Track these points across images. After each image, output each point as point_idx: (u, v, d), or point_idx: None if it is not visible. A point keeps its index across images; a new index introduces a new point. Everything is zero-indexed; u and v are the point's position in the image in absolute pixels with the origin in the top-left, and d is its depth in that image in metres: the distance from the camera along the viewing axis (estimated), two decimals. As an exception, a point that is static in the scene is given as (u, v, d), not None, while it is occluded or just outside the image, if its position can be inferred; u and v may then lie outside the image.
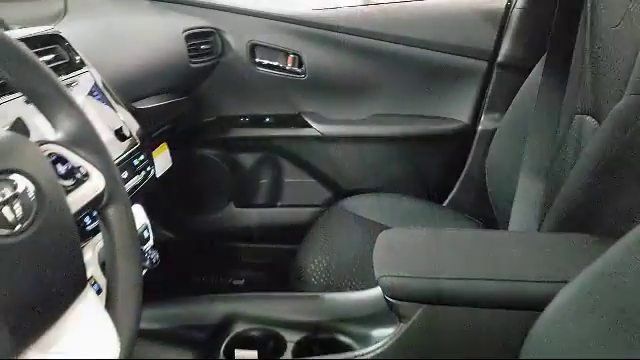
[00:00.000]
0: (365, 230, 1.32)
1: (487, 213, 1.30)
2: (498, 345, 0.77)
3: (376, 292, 0.93)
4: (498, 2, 1.44)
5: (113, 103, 1.03)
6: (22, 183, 0.48)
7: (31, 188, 0.49)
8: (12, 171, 0.48)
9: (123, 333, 0.56)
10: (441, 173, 1.58)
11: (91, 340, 0.53)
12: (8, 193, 0.46)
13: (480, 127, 1.51)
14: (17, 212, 0.47)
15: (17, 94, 0.79)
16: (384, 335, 0.83)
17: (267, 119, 1.61)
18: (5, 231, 0.45)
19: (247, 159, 1.68)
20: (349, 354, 0.84)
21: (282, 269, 1.36)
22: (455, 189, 1.57)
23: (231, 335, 0.96)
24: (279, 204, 1.70)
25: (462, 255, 0.82)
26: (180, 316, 1.01)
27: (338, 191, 1.64)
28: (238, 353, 0.92)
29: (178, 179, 1.38)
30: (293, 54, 1.54)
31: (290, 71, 1.55)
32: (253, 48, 1.54)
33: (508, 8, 1.43)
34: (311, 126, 1.58)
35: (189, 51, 1.41)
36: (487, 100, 1.49)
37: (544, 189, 1.05)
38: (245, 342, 0.95)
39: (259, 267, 1.73)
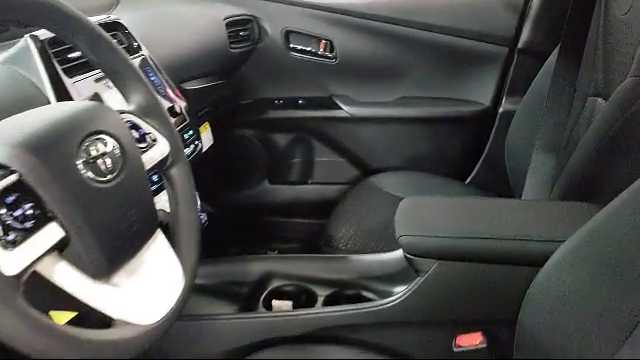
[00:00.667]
0: (389, 203, 1.42)
1: (507, 191, 1.39)
2: (502, 296, 0.88)
3: (397, 254, 1.05)
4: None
5: (165, 83, 1.15)
6: (110, 142, 0.61)
7: (117, 147, 0.61)
8: (102, 132, 0.60)
9: (187, 268, 0.69)
10: (464, 152, 1.68)
11: (163, 271, 0.66)
12: (101, 149, 0.59)
13: (501, 109, 1.60)
14: (108, 165, 0.59)
15: (90, 73, 0.92)
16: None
17: (300, 101, 1.73)
18: (100, 178, 0.58)
19: (281, 139, 1.80)
20: (372, 304, 0.95)
21: (312, 242, 1.48)
22: (477, 168, 1.66)
23: (269, 289, 1.08)
24: (310, 181, 1.82)
25: (473, 218, 0.93)
26: (224, 273, 1.14)
27: (366, 169, 1.75)
28: (275, 304, 1.04)
29: (217, 157, 1.50)
30: (325, 40, 1.65)
31: (322, 56, 1.66)
32: (288, 34, 1.66)
33: (527, 1, 1.51)
34: (341, 108, 1.68)
35: (229, 37, 1.53)
36: (508, 84, 1.58)
37: (555, 165, 1.14)
38: (281, 296, 1.08)
39: (291, 240, 1.85)
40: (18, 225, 0.50)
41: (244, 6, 1.61)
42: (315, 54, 1.66)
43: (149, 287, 0.63)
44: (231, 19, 1.54)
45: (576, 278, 0.75)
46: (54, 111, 0.60)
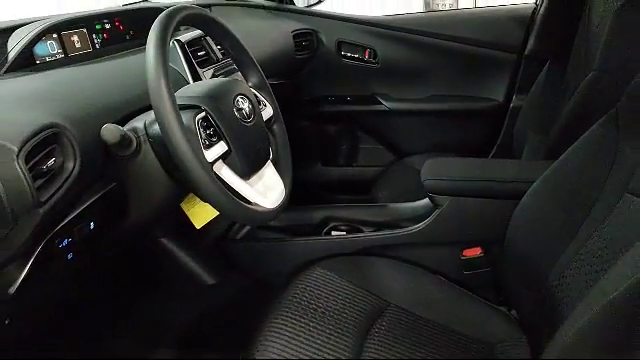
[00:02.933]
0: (418, 176, 1.81)
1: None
2: (496, 221, 1.25)
3: (422, 202, 1.43)
4: (524, 11, 1.90)
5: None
6: (247, 101, 1.02)
7: (250, 104, 1.02)
8: (243, 94, 1.01)
9: (286, 183, 1.09)
10: (481, 140, 2.04)
11: (274, 181, 1.06)
12: (244, 104, 1.00)
13: (512, 104, 1.96)
14: (247, 113, 1.00)
15: (211, 66, 1.33)
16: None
17: (348, 98, 2.13)
18: (244, 120, 0.98)
19: (332, 129, 2.20)
20: (404, 230, 1.34)
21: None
22: (492, 152, 2.02)
23: (328, 226, 1.48)
24: (355, 164, 2.22)
25: (477, 168, 1.31)
26: (295, 218, 1.54)
27: (400, 154, 2.13)
28: (334, 233, 1.44)
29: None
30: (370, 49, 2.05)
31: (367, 61, 2.06)
32: (340, 44, 2.07)
33: (534, 14, 1.89)
34: (382, 103, 2.08)
35: (295, 46, 1.94)
36: (517, 83, 1.95)
37: (544, 140, 1.51)
38: (336, 231, 1.47)
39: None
40: (207, 139, 0.91)
41: (307, 22, 2.03)
42: (361, 60, 2.06)
43: (268, 188, 1.04)
44: (297, 32, 1.95)
45: (546, 204, 1.12)
46: (216, 81, 1.02)
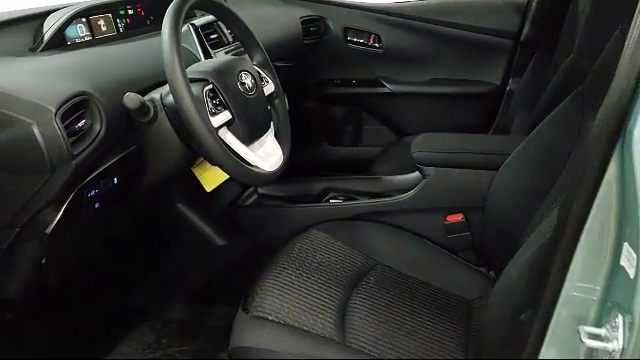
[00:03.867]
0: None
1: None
2: (476, 190, 1.37)
3: (412, 175, 1.55)
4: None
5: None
6: (249, 76, 1.16)
7: (252, 79, 1.16)
8: (247, 70, 1.15)
9: (284, 150, 1.23)
10: (480, 121, 2.15)
11: (274, 148, 1.20)
12: (246, 78, 1.14)
13: (508, 88, 2.07)
14: (250, 86, 1.14)
15: (222, 48, 1.47)
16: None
17: (354, 81, 2.25)
18: (247, 92, 1.13)
19: (338, 110, 2.33)
20: (394, 198, 1.48)
21: None
22: (490, 133, 2.14)
23: (328, 196, 1.62)
24: (359, 144, 2.35)
25: (460, 142, 1.44)
26: (296, 188, 1.68)
27: (402, 134, 2.25)
28: (332, 201, 1.58)
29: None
30: (374, 34, 2.17)
31: (371, 47, 2.18)
32: (346, 30, 2.19)
33: (529, 2, 1.99)
34: (385, 86, 2.20)
35: (303, 32, 2.07)
36: (513, 68, 2.06)
37: (529, 118, 1.62)
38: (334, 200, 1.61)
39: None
40: (213, 108, 1.06)
41: (314, 8, 2.16)
42: (366, 45, 2.19)
43: (268, 154, 1.18)
44: (305, 18, 2.08)
45: (520, 173, 1.24)
46: (223, 59, 1.16)
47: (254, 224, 1.62)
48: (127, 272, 1.65)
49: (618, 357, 0.62)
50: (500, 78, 2.10)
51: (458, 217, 1.42)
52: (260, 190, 1.69)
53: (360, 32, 2.18)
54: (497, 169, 1.30)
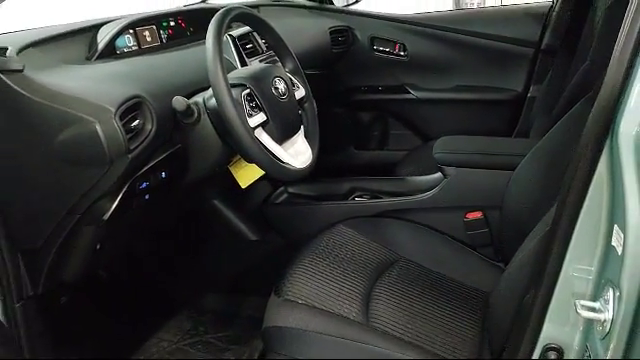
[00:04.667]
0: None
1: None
2: (494, 189, 1.45)
3: (434, 176, 1.64)
4: (541, 8, 2.08)
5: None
6: (282, 82, 1.27)
7: (284, 84, 1.27)
8: (280, 77, 1.26)
9: (314, 150, 1.33)
10: (501, 127, 2.22)
11: (303, 148, 1.31)
12: (279, 84, 1.25)
13: (529, 94, 2.15)
14: (282, 91, 1.25)
15: (256, 57, 1.59)
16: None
17: (380, 88, 2.35)
18: (280, 97, 1.24)
19: (365, 116, 2.43)
20: (417, 196, 1.57)
21: None
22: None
23: (353, 195, 1.72)
24: (385, 148, 2.44)
25: (480, 144, 1.53)
26: (324, 188, 1.79)
27: (426, 139, 2.34)
28: (358, 199, 1.68)
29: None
30: (399, 43, 2.27)
31: (397, 55, 2.28)
32: (372, 39, 2.29)
33: (550, 11, 2.07)
34: (410, 93, 2.29)
35: (331, 41, 2.18)
36: (534, 75, 2.13)
37: (547, 122, 1.70)
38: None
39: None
40: (250, 110, 1.17)
41: (343, 19, 2.27)
42: (392, 53, 2.29)
43: (298, 153, 1.29)
44: (333, 28, 2.19)
45: (535, 172, 1.32)
46: (259, 66, 1.28)
47: (284, 221, 1.72)
48: (167, 264, 1.77)
49: (609, 326, 0.71)
50: (522, 85, 2.17)
51: (477, 215, 1.50)
52: (290, 189, 1.80)
53: (386, 41, 2.28)
54: (514, 169, 1.38)
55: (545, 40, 2.08)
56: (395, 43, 2.28)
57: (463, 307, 1.26)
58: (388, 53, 2.29)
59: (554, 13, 2.05)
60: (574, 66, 1.69)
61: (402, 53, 2.28)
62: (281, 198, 1.77)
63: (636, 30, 0.71)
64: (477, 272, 1.42)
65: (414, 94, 2.29)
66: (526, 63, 2.15)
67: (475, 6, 4.22)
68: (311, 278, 1.26)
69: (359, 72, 2.35)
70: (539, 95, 2.00)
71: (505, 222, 1.42)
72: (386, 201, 1.61)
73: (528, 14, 2.12)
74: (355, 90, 2.38)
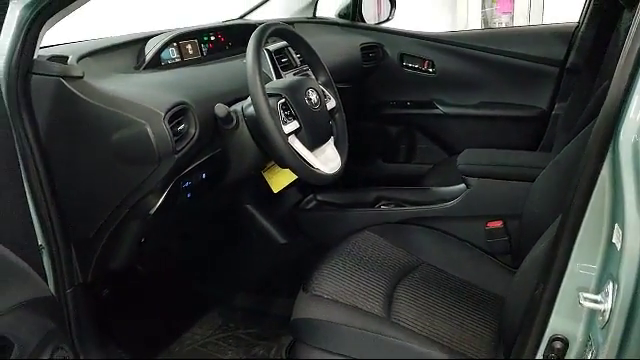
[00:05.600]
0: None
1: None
2: (514, 199, 1.52)
3: (458, 186, 1.71)
4: (567, 28, 2.15)
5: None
6: (314, 93, 1.37)
7: (317, 96, 1.37)
8: (312, 88, 1.36)
9: (342, 158, 1.42)
10: (525, 144, 2.27)
11: (333, 156, 1.40)
12: (312, 95, 1.35)
13: (554, 112, 2.20)
14: (315, 102, 1.35)
15: (291, 70, 1.69)
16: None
17: (408, 103, 2.43)
18: (313, 106, 1.33)
19: (393, 130, 2.51)
20: (440, 205, 1.64)
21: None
22: (535, 154, 2.26)
23: (379, 204, 1.80)
24: (412, 161, 2.52)
25: (502, 157, 1.60)
26: (352, 197, 1.88)
27: (452, 153, 2.41)
28: (383, 207, 1.76)
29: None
30: (428, 60, 2.35)
31: (425, 71, 2.37)
32: (402, 56, 2.38)
33: (575, 33, 2.13)
34: (438, 108, 2.37)
35: (362, 57, 2.28)
36: (559, 93, 2.19)
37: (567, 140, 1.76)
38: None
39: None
40: (285, 118, 1.27)
41: (374, 36, 2.37)
42: (420, 70, 2.37)
43: (328, 159, 1.38)
44: (364, 44, 2.29)
45: (549, 185, 1.39)
46: (294, 78, 1.38)
47: (313, 225, 1.82)
48: (201, 263, 1.88)
49: (608, 316, 0.77)
50: (546, 103, 2.23)
51: (498, 224, 1.57)
52: (319, 197, 1.89)
53: (415, 58, 2.37)
54: (533, 181, 1.45)
55: (570, 59, 2.14)
56: (424, 60, 2.36)
57: (480, 309, 1.33)
58: (417, 69, 2.38)
59: (580, 33, 2.11)
60: (597, 85, 1.75)
61: (430, 70, 2.36)
62: (311, 204, 1.86)
63: (637, 46, 0.78)
64: (495, 278, 1.48)
65: (441, 109, 2.36)
66: (551, 81, 2.20)
67: (503, 25, 4.28)
68: (337, 276, 1.34)
69: (388, 87, 2.44)
70: (562, 112, 2.06)
71: (524, 231, 1.48)
72: (410, 209, 1.69)
73: (554, 34, 2.18)
74: (384, 104, 2.47)
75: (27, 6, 1.08)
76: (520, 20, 4.16)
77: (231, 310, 1.85)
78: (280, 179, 1.51)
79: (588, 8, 2.05)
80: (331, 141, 1.43)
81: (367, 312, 1.24)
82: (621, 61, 0.79)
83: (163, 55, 1.53)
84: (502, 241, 1.57)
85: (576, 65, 2.12)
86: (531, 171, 1.50)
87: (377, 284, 1.35)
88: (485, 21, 4.36)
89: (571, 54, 2.14)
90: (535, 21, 4.07)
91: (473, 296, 1.40)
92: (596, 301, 0.80)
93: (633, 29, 0.81)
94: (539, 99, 2.25)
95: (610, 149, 0.80)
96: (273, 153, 1.28)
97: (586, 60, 2.04)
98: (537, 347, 0.90)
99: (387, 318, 1.24)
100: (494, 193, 1.57)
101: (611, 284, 0.78)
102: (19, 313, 0.92)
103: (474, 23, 4.26)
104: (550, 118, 2.22)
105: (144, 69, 1.44)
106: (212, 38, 1.74)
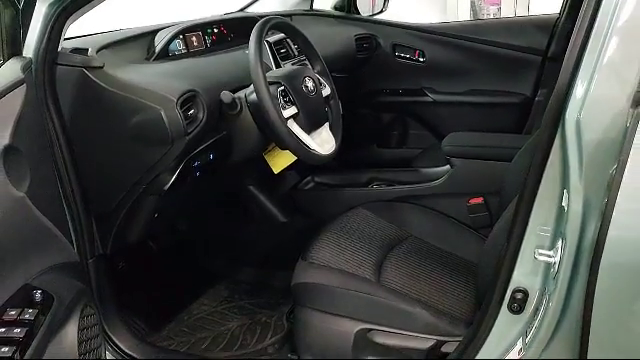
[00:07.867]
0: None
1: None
2: (493, 177, 1.66)
3: (444, 167, 1.85)
4: (548, 19, 2.28)
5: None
6: (311, 81, 1.50)
7: (313, 83, 1.50)
8: (309, 76, 1.50)
9: (337, 139, 1.56)
10: (511, 128, 2.41)
11: (328, 138, 1.53)
12: (309, 82, 1.48)
13: (537, 98, 2.33)
14: (311, 88, 1.48)
15: (289, 60, 1.82)
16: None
17: (400, 91, 2.56)
18: (309, 93, 1.47)
19: (386, 117, 2.64)
20: (427, 184, 1.79)
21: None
22: (520, 139, 2.40)
23: (372, 184, 1.95)
24: (404, 146, 2.66)
25: (482, 139, 1.74)
26: (345, 177, 2.02)
27: (441, 138, 2.54)
28: (376, 187, 1.90)
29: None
30: (419, 50, 2.48)
31: (416, 61, 2.49)
32: (394, 46, 2.51)
33: (556, 24, 2.26)
34: (428, 95, 2.50)
35: (356, 47, 2.40)
36: (541, 81, 2.32)
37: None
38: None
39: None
40: (284, 104, 1.41)
41: (367, 28, 2.49)
42: (411, 59, 2.50)
43: (324, 141, 1.51)
44: (358, 35, 2.42)
45: (524, 164, 1.52)
46: (291, 67, 1.52)
47: (311, 204, 1.96)
48: (208, 240, 2.03)
49: (557, 267, 0.92)
50: (530, 89, 2.36)
51: (479, 200, 1.71)
52: (316, 178, 2.03)
53: (406, 48, 2.49)
54: (511, 160, 1.59)
55: (551, 49, 2.27)
56: (415, 50, 2.49)
57: (461, 274, 1.48)
58: (408, 59, 2.50)
59: (560, 24, 2.24)
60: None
61: (421, 59, 2.49)
62: (309, 185, 2.01)
63: (583, 30, 0.91)
64: (476, 249, 1.62)
65: (431, 97, 2.49)
66: (534, 69, 2.33)
67: (492, 16, 4.42)
68: (333, 246, 1.49)
69: (381, 76, 2.56)
70: (544, 98, 2.20)
71: (502, 206, 1.62)
72: (400, 188, 1.84)
73: (536, 25, 2.31)
74: (377, 92, 2.59)
75: (52, 4, 1.22)
76: (508, 11, 4.30)
77: (235, 283, 2.00)
78: (280, 161, 1.65)
79: (568, 0, 2.18)
80: (327, 125, 1.57)
81: (360, 277, 1.39)
82: (570, 44, 0.92)
83: (171, 47, 1.66)
84: (483, 215, 1.72)
85: (557, 54, 2.25)
86: (509, 152, 1.63)
87: (369, 253, 1.49)
88: (474, 12, 4.51)
89: (552, 44, 2.27)
90: (521, 12, 4.21)
91: (456, 264, 1.54)
92: (549, 256, 0.95)
93: (581, 14, 0.93)
94: (523, 86, 2.37)
95: (560, 125, 0.94)
96: (274, 135, 1.42)
97: (566, 49, 2.17)
98: (502, 299, 1.04)
99: (377, 281, 1.38)
100: (476, 172, 1.72)
101: (561, 241, 0.93)
102: (55, 273, 1.06)
103: (464, 15, 4.41)
104: (533, 104, 2.35)
105: (154, 60, 1.57)
106: (215, 30, 1.87)
